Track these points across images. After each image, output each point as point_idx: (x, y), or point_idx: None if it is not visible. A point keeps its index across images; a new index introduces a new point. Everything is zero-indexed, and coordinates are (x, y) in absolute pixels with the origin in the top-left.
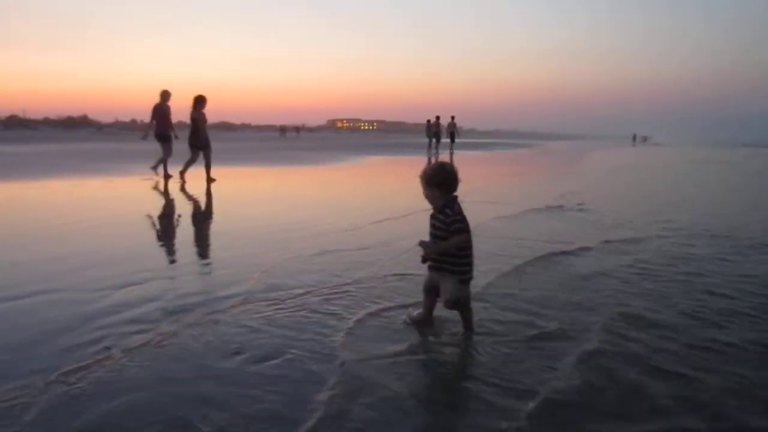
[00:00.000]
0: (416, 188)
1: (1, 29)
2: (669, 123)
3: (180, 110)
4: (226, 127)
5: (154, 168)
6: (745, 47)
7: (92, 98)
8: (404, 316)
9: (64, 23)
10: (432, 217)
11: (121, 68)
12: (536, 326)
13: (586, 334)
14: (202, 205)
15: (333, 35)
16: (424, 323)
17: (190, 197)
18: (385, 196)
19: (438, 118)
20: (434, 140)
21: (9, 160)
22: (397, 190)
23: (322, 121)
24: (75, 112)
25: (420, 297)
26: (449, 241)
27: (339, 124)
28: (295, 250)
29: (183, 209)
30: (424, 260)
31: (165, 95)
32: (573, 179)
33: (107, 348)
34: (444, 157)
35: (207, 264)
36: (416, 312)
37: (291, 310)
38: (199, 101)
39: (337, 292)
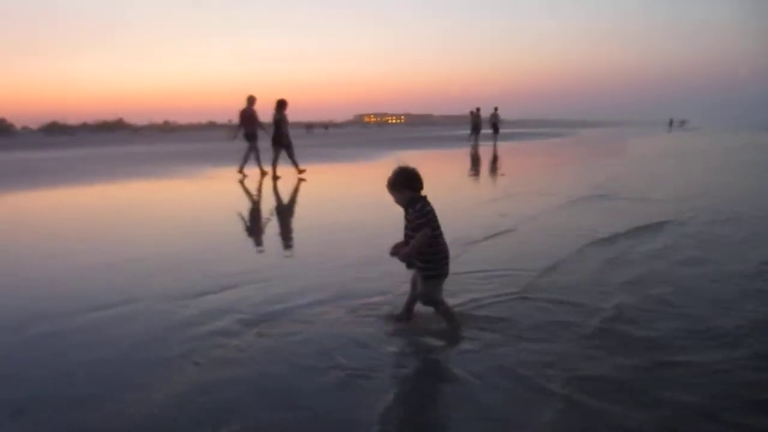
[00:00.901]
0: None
1: (33, 36)
2: (706, 105)
3: (204, 110)
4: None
5: (259, 166)
6: None
7: (126, 101)
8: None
9: (92, 28)
10: (404, 218)
11: (151, 71)
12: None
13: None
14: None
15: (358, 29)
16: (402, 318)
17: (288, 194)
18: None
19: (478, 109)
20: (474, 132)
21: (71, 165)
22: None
23: (349, 116)
24: (109, 116)
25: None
26: (414, 241)
27: (366, 119)
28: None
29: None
30: (406, 264)
31: (251, 100)
32: (622, 167)
33: (196, 363)
34: (485, 149)
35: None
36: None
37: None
38: (281, 104)
39: None
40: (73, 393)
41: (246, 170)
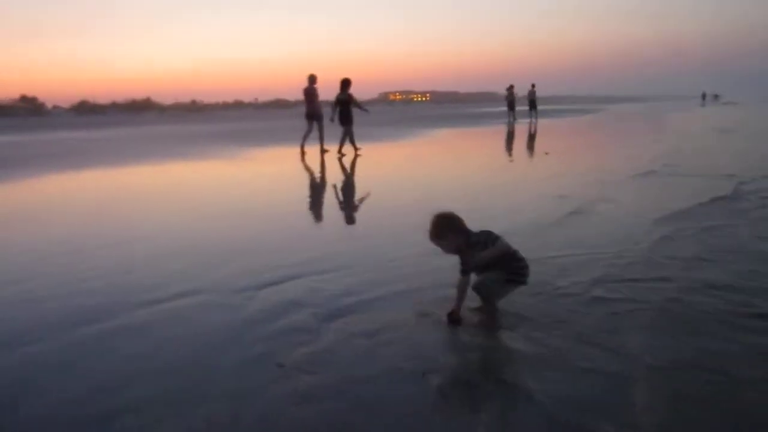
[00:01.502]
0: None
1: (61, 18)
2: (737, 79)
3: (230, 90)
4: (281, 104)
5: (302, 146)
6: None
7: (153, 82)
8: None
9: (120, 11)
10: (468, 266)
11: (178, 53)
12: None
13: None
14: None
15: (382, 8)
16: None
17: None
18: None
19: (512, 86)
20: (510, 109)
21: (116, 145)
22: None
23: (374, 95)
24: (138, 95)
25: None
26: (489, 250)
27: (391, 97)
28: None
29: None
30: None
31: (312, 79)
32: (670, 142)
33: (280, 365)
34: (522, 126)
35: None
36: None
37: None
38: (346, 83)
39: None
40: (155, 403)
41: (307, 148)
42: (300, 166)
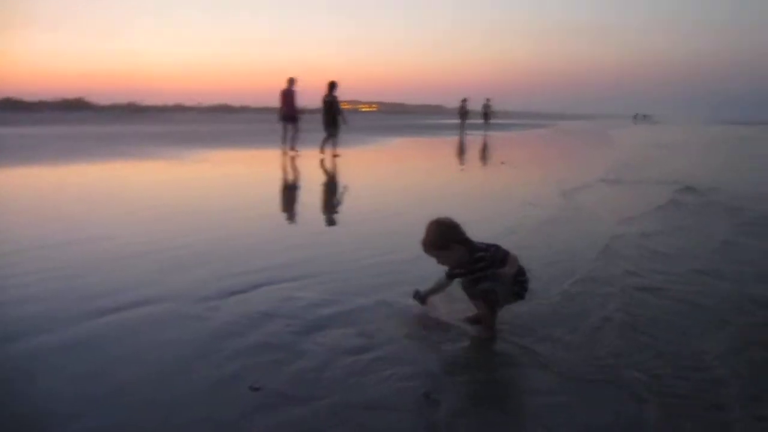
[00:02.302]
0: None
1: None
2: (668, 102)
3: (171, 93)
4: (225, 109)
5: (283, 145)
6: (745, 29)
7: (87, 80)
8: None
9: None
10: (464, 275)
11: (117, 49)
12: None
13: None
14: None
15: (330, 17)
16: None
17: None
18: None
19: (465, 100)
20: (462, 120)
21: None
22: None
23: (320, 103)
24: (70, 94)
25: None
26: (508, 265)
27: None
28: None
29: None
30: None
31: (291, 81)
32: (621, 154)
33: (255, 389)
34: (475, 137)
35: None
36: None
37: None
38: (332, 85)
39: None
40: None
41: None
42: (261, 168)
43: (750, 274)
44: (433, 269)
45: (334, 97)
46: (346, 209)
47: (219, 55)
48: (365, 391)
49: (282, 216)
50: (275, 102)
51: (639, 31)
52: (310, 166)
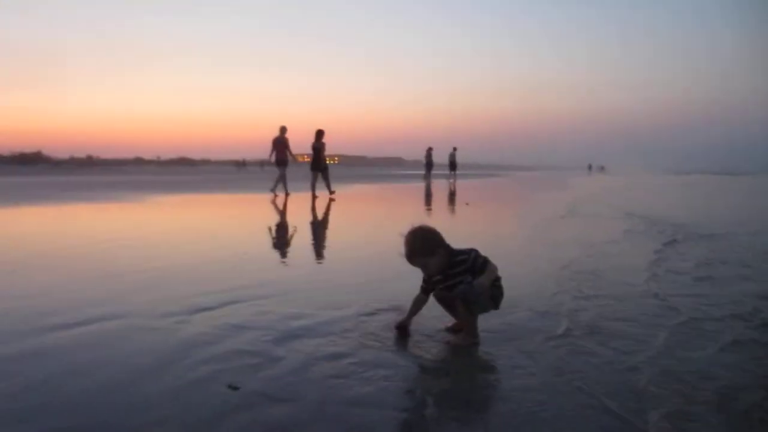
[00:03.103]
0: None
1: None
2: (620, 153)
3: (129, 146)
4: (185, 162)
5: (273, 189)
6: (693, 82)
7: (44, 135)
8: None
9: (18, 60)
10: (442, 282)
11: (74, 106)
12: None
13: None
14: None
15: (291, 72)
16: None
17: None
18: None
19: (430, 149)
20: (427, 169)
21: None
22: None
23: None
24: (26, 148)
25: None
26: (488, 272)
27: (299, 159)
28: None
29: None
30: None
31: (283, 129)
32: (574, 197)
33: (234, 388)
34: (440, 183)
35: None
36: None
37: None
38: (320, 133)
39: None
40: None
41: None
42: (226, 210)
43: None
44: (404, 287)
45: (322, 144)
46: (318, 242)
47: (177, 108)
48: (347, 390)
49: (254, 245)
50: (232, 154)
51: (591, 87)
52: (278, 206)
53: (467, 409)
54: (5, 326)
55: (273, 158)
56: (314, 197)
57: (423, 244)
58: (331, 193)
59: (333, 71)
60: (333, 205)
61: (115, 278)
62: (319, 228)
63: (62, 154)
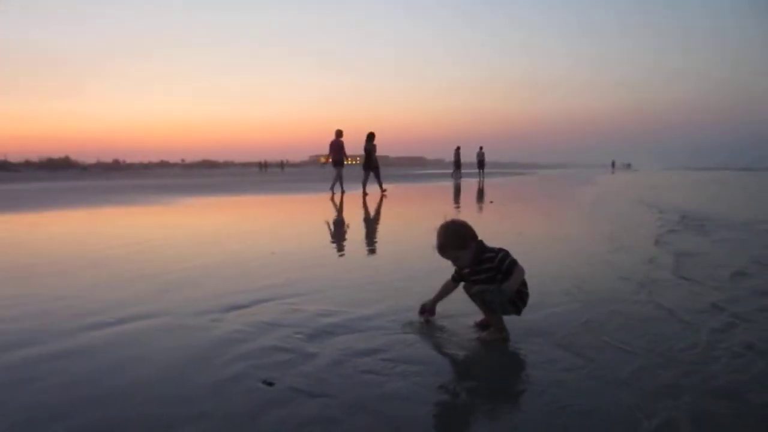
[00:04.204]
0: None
1: None
2: (647, 150)
3: (154, 150)
4: (209, 164)
5: (331, 188)
6: (725, 77)
7: (71, 141)
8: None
9: (45, 68)
10: (469, 275)
11: (100, 111)
12: None
13: None
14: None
15: (313, 72)
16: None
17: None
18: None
19: (459, 148)
20: (456, 168)
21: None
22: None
23: (305, 157)
24: (54, 154)
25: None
26: (513, 277)
27: (321, 159)
28: None
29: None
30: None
31: (339, 133)
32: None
33: (269, 383)
34: (470, 182)
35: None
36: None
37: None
38: (371, 136)
39: None
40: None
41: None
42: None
43: None
44: (437, 284)
45: (373, 146)
46: (350, 240)
47: (203, 113)
48: (379, 386)
49: (271, 247)
50: (256, 156)
51: (615, 83)
52: (326, 204)
53: (499, 403)
54: (47, 325)
55: (330, 159)
56: (365, 194)
57: (455, 238)
58: (383, 190)
59: (359, 70)
60: (384, 202)
61: (151, 279)
62: (359, 226)
63: (89, 158)
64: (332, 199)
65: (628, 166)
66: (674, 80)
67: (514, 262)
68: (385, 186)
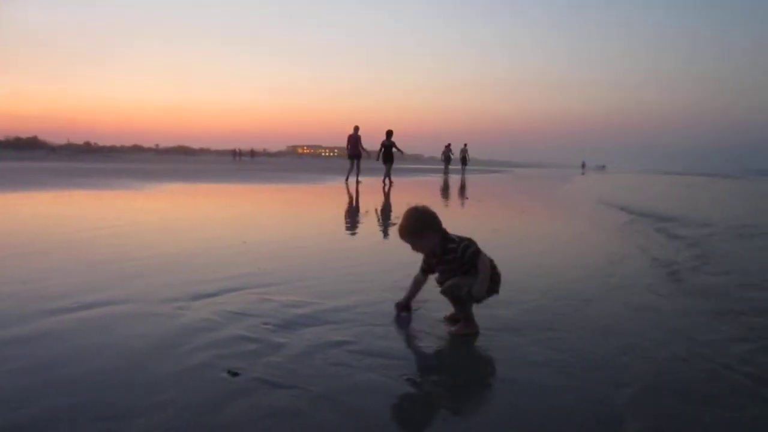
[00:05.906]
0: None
1: None
2: (625, 152)
3: (128, 134)
4: (184, 151)
5: (347, 179)
6: (699, 83)
7: (40, 120)
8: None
9: (12, 44)
10: (434, 265)
11: (72, 90)
12: None
13: None
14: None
15: (297, 66)
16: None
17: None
18: None
19: (448, 145)
20: (445, 163)
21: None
22: None
23: (282, 147)
24: (22, 133)
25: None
26: (481, 273)
27: (300, 150)
28: None
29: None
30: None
31: (356, 128)
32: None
33: (234, 374)
34: (455, 177)
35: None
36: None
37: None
38: (390, 133)
39: None
40: (66, 420)
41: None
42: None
43: None
44: (408, 275)
45: (392, 142)
46: (327, 231)
47: (182, 97)
48: (347, 378)
49: (244, 235)
50: (233, 144)
51: (589, 85)
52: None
53: (465, 396)
54: (8, 310)
55: (348, 152)
56: (384, 184)
57: (413, 224)
58: (390, 181)
59: (339, 63)
60: (373, 193)
61: (116, 264)
62: (339, 217)
63: (59, 139)
64: (347, 188)
65: (603, 167)
66: (647, 84)
67: (476, 253)
68: (388, 180)
